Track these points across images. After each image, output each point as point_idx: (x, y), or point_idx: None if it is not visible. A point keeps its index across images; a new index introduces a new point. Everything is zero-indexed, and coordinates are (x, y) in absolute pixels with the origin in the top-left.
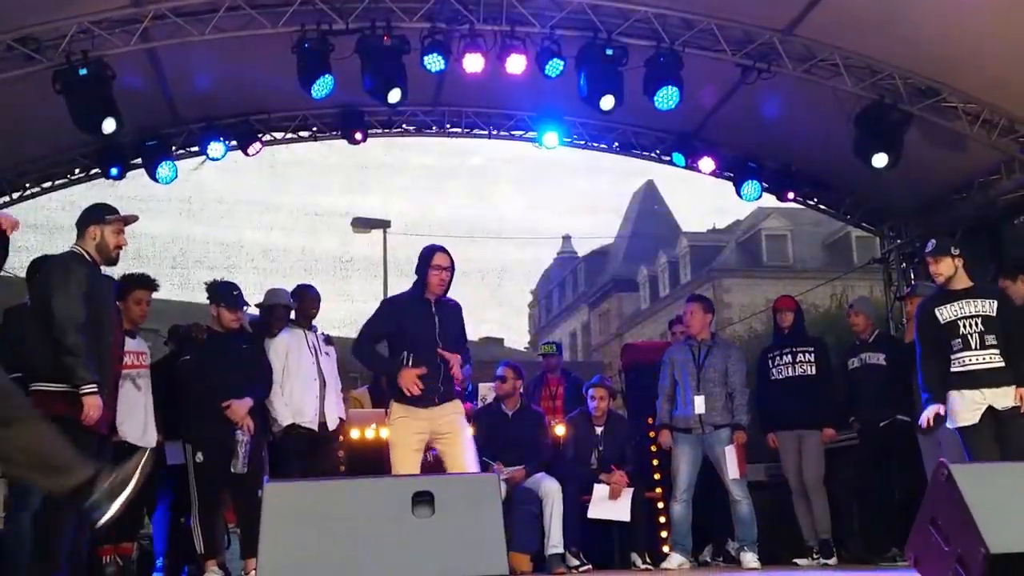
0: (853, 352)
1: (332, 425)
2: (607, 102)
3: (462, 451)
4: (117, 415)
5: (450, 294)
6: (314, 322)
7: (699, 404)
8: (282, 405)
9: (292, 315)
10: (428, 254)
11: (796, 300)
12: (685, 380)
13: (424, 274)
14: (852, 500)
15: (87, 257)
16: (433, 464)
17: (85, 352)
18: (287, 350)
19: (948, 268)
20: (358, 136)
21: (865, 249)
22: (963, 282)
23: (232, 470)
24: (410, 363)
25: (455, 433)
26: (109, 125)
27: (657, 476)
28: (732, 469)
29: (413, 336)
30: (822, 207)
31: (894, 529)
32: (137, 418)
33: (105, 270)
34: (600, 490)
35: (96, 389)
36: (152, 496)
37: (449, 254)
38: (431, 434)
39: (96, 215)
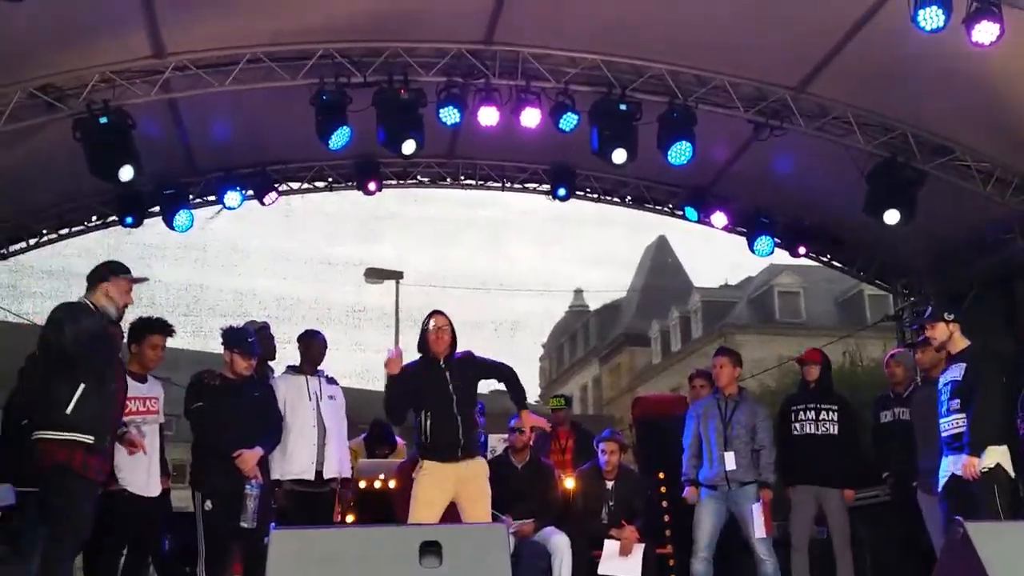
0: (885, 405)
1: (329, 473)
2: (619, 156)
3: (480, 514)
4: (116, 462)
5: (463, 344)
6: (320, 367)
7: (729, 460)
8: (277, 455)
9: (296, 361)
10: (425, 320)
11: (824, 353)
12: (712, 436)
13: (425, 339)
14: (868, 559)
15: (93, 308)
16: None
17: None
18: (284, 399)
19: (942, 333)
20: (373, 187)
21: (878, 307)
22: (957, 347)
23: (241, 524)
24: (428, 423)
25: (478, 495)
26: (127, 173)
27: (668, 532)
28: (759, 528)
29: (427, 397)
30: (835, 263)
31: None
32: (140, 466)
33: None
34: (611, 546)
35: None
36: (157, 545)
37: (444, 314)
38: (456, 491)
39: (107, 272)
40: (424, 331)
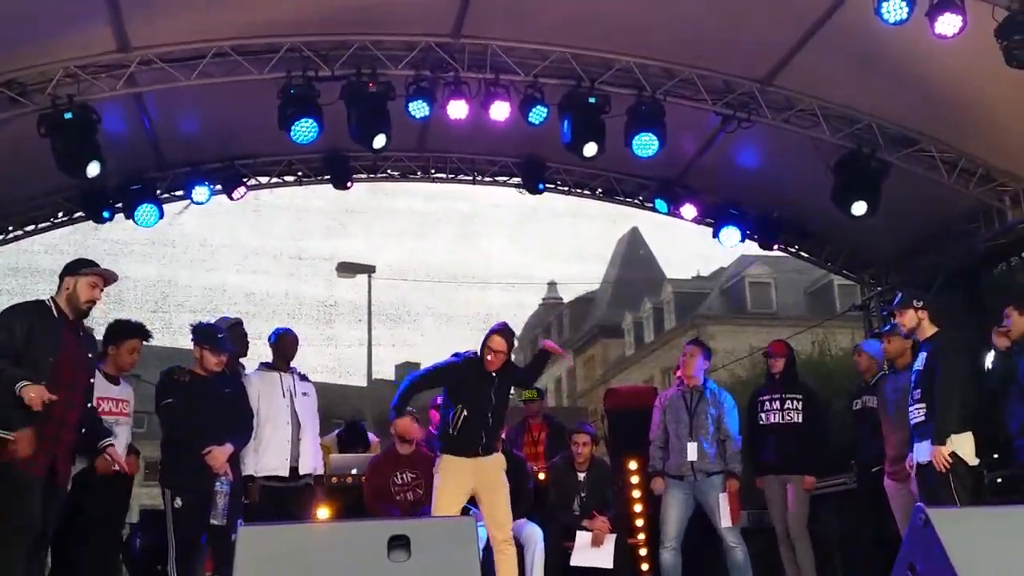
0: (857, 394)
1: (304, 469)
2: (590, 149)
3: (498, 502)
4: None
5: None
6: (292, 364)
7: (692, 451)
8: (251, 451)
9: (270, 358)
10: (487, 335)
11: (789, 345)
12: (677, 427)
13: (482, 352)
14: (836, 546)
15: (51, 306)
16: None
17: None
18: (258, 394)
19: (911, 320)
20: (344, 181)
21: (847, 297)
22: (925, 333)
23: (212, 520)
24: (461, 420)
25: (495, 486)
26: (93, 169)
27: (640, 523)
28: (725, 518)
29: (468, 397)
30: (804, 254)
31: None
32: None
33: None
34: (583, 537)
35: (31, 383)
36: (127, 544)
37: (506, 336)
38: (475, 483)
39: (72, 267)
40: (484, 344)
